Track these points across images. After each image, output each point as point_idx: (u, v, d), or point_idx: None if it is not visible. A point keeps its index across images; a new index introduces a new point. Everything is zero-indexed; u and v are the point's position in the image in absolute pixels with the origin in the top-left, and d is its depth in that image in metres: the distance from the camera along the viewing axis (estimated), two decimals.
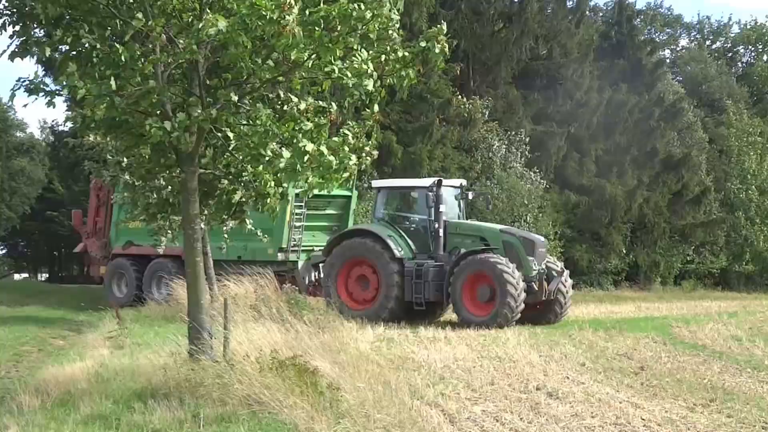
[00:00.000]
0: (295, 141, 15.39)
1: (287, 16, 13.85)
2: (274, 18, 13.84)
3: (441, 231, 29.51)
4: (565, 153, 52.91)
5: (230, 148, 16.41)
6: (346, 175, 16.15)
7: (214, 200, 17.74)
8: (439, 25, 15.89)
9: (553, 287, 29.08)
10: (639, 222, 56.45)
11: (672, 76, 79.76)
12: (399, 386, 16.07)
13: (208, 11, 14.86)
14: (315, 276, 33.48)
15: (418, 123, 45.18)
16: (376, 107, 16.28)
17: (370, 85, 15.36)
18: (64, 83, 14.68)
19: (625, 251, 54.92)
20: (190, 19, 15.34)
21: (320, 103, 16.34)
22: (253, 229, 19.71)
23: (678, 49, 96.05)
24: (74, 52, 15.45)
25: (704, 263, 62.36)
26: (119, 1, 15.48)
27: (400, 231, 30.05)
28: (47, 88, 15.12)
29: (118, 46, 14.90)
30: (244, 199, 17.30)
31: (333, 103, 16.34)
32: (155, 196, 18.78)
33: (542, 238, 30.28)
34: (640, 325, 29.42)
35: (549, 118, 53.68)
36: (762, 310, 39.35)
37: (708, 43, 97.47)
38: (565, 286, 29.44)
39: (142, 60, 15.07)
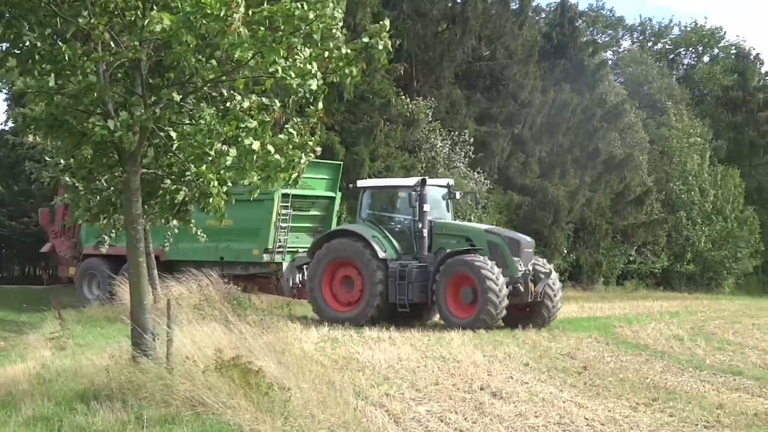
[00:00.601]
0: (239, 140, 15.33)
1: (234, 14, 13.79)
2: (221, 15, 13.78)
3: (425, 231, 29.00)
4: (509, 154, 53.11)
5: (173, 148, 16.29)
6: (294, 174, 16.11)
7: (157, 200, 17.61)
8: (382, 22, 15.88)
9: (539, 289, 28.27)
10: (581, 222, 56.78)
11: (614, 78, 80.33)
12: (343, 386, 16.05)
13: (154, 9, 14.74)
14: (299, 278, 32.89)
15: (361, 123, 45.12)
16: (320, 104, 16.24)
17: (314, 85, 15.33)
18: (3, 80, 14.55)
19: (567, 251, 55.20)
20: (132, 18, 15.23)
21: (264, 100, 16.27)
22: (194, 228, 19.53)
23: (620, 50, 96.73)
24: (15, 50, 15.30)
25: (646, 263, 62.84)
26: None
27: (385, 231, 29.49)
28: None
29: (60, 44, 14.77)
30: (187, 199, 17.18)
31: (276, 101, 16.28)
32: (97, 198, 18.61)
33: (528, 239, 29.49)
34: (583, 324, 29.64)
35: (493, 118, 53.80)
36: (703, 309, 39.80)
37: (650, 44, 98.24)
38: (553, 288, 28.58)
39: (84, 59, 14.94)
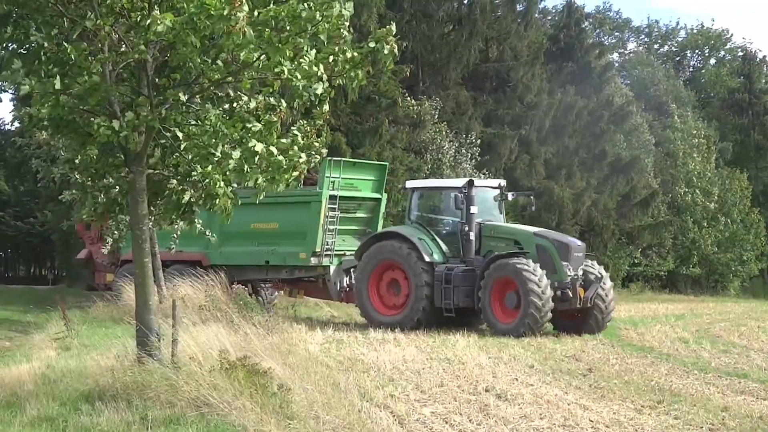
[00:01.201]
0: (244, 141, 15.35)
1: (238, 14, 13.79)
2: (224, 14, 13.78)
3: (472, 234, 28.27)
4: (515, 155, 53.09)
5: (180, 149, 16.30)
6: (296, 174, 16.11)
7: (163, 201, 17.60)
8: (388, 26, 15.88)
9: (590, 294, 27.12)
10: (587, 224, 56.73)
11: (620, 80, 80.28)
12: (348, 388, 16.06)
13: (158, 10, 14.75)
14: (347, 281, 31.90)
15: (367, 124, 45.13)
16: (326, 107, 16.25)
17: (320, 88, 15.33)
18: (8, 81, 14.57)
19: None
20: (138, 19, 15.24)
21: (271, 100, 16.27)
22: (202, 229, 19.49)
23: (626, 52, 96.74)
24: (22, 50, 15.32)
25: (652, 266, 62.80)
26: None
27: (432, 233, 28.81)
28: None
29: (66, 45, 14.79)
30: (193, 200, 17.17)
31: (282, 101, 16.28)
32: (103, 196, 18.61)
33: (579, 242, 28.53)
34: None
35: (499, 120, 53.79)
36: (708, 312, 39.75)
37: (656, 47, 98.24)
38: (604, 294, 27.40)
39: (90, 59, 14.95)
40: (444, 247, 28.49)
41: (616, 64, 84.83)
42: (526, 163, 54.23)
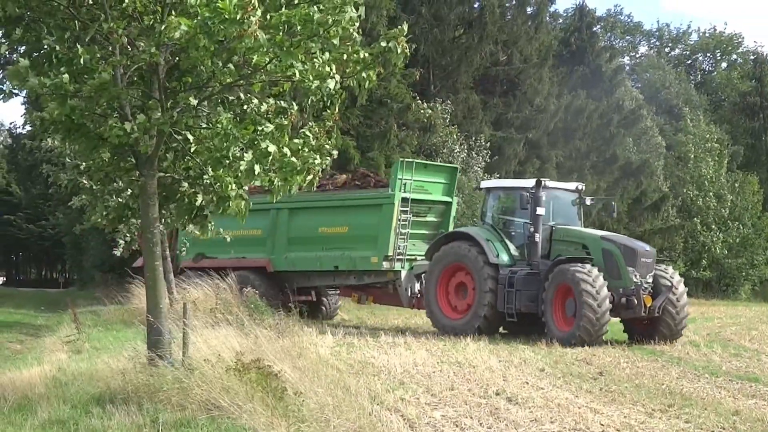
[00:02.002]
0: (256, 143, 15.38)
1: (251, 17, 13.81)
2: (237, 19, 13.80)
3: (538, 236, 26.98)
4: (525, 158, 53.12)
5: (191, 152, 16.33)
6: (309, 177, 16.14)
7: (175, 204, 17.62)
8: (400, 26, 15.90)
9: (658, 302, 25.68)
10: (598, 228, 56.63)
11: (631, 83, 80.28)
12: (359, 391, 16.04)
13: (172, 13, 14.78)
14: (418, 287, 30.65)
15: (377, 128, 45.21)
16: (332, 104, 16.26)
17: (332, 85, 15.35)
18: (15, 78, 14.61)
19: None
20: (150, 22, 15.27)
21: (281, 103, 16.30)
22: (215, 229, 19.44)
23: (637, 56, 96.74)
24: (33, 53, 15.36)
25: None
26: (79, 2, 15.39)
27: (501, 235, 27.76)
28: (3, 87, 15.07)
29: (78, 47, 14.82)
30: (205, 203, 17.19)
31: (293, 104, 16.31)
32: (114, 199, 18.64)
33: (648, 247, 27.06)
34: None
35: (509, 123, 53.87)
36: (719, 316, 39.66)
37: (667, 50, 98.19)
38: (675, 303, 25.94)
39: (102, 62, 14.99)
40: (513, 249, 27.58)
41: (627, 68, 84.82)
42: (536, 167, 54.28)
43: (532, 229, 27.09)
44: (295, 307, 32.70)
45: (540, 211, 27.03)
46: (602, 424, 14.69)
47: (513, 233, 27.93)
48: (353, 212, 31.02)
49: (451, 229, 31.88)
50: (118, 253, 34.99)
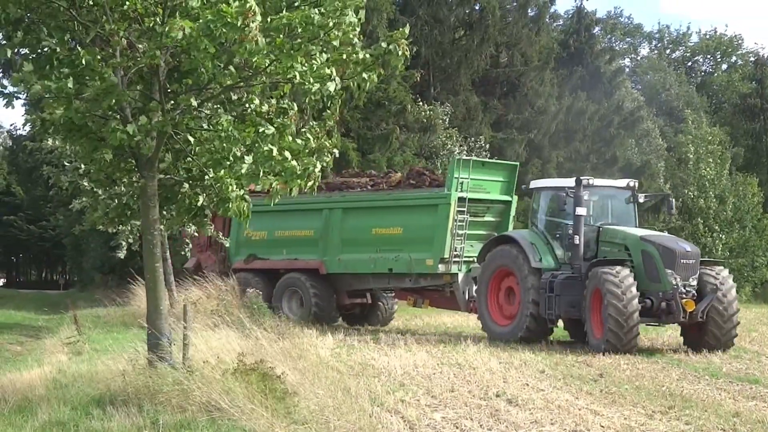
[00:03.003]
0: (257, 145, 15.39)
1: (251, 23, 13.82)
2: (238, 25, 13.81)
3: (578, 238, 25.35)
4: (526, 160, 53.14)
5: (192, 153, 16.35)
6: (310, 183, 16.15)
7: (176, 205, 17.65)
8: (401, 28, 15.93)
9: (701, 307, 24.07)
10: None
11: (632, 85, 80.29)
12: (359, 393, 16.05)
13: (175, 15, 14.79)
14: (475, 290, 28.90)
15: (377, 130, 45.21)
16: (332, 104, 16.27)
17: (332, 87, 15.36)
18: (20, 83, 14.62)
19: None
20: (151, 24, 15.28)
21: (282, 104, 16.31)
22: (211, 231, 19.37)
23: (638, 58, 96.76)
24: (34, 55, 15.37)
25: None
26: (79, 4, 15.40)
27: (548, 238, 26.41)
28: (5, 90, 15.07)
29: (79, 49, 14.84)
30: (205, 204, 17.21)
31: (294, 105, 16.32)
32: (115, 202, 18.67)
33: (689, 248, 25.23)
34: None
35: (509, 125, 53.88)
36: None
37: (668, 52, 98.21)
38: (723, 304, 24.28)
39: (103, 64, 15.00)
40: (561, 253, 26.13)
41: (627, 69, 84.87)
42: (538, 168, 54.28)
43: (570, 230, 25.72)
44: (345, 310, 32.52)
45: (580, 211, 25.56)
46: (602, 426, 14.69)
47: (559, 235, 26.52)
48: (408, 212, 29.97)
49: (511, 228, 30.78)
50: (121, 255, 34.96)
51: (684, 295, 24.19)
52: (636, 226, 26.71)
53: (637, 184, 27.25)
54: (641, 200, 27.19)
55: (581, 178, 26.17)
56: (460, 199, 28.86)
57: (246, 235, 32.16)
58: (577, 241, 25.43)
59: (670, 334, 27.91)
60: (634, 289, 23.46)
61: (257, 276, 31.93)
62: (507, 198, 30.88)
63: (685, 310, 23.95)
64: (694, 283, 24.53)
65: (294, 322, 28.49)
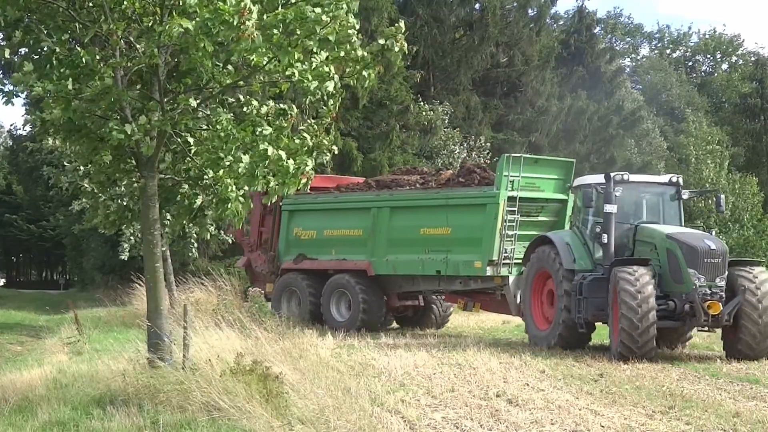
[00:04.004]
0: (254, 145, 15.40)
1: (247, 22, 13.84)
2: (234, 23, 13.82)
3: (606, 237, 23.76)
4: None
5: (191, 153, 16.37)
6: (303, 181, 16.17)
7: (175, 205, 17.67)
8: (397, 24, 15.94)
9: (726, 310, 22.29)
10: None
11: (632, 85, 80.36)
12: (359, 393, 16.04)
13: (173, 15, 14.80)
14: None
15: (378, 129, 45.22)
16: (331, 102, 16.28)
17: (330, 86, 15.36)
18: (21, 84, 14.63)
19: None
20: (150, 23, 15.29)
21: (281, 105, 16.33)
22: (213, 232, 19.36)
23: (638, 58, 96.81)
24: (34, 55, 15.38)
25: None
26: (79, 4, 15.41)
27: (585, 238, 24.72)
28: (5, 89, 15.09)
29: (78, 49, 14.85)
30: (205, 204, 17.22)
31: (293, 106, 16.34)
32: (115, 203, 18.69)
33: (714, 245, 23.08)
34: (600, 332, 29.41)
35: (509, 125, 53.87)
36: None
37: (668, 52, 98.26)
38: (754, 308, 22.44)
39: (102, 63, 15.01)
40: (599, 253, 24.31)
41: (628, 69, 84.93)
42: None
43: (598, 229, 24.14)
44: (397, 313, 31.47)
45: (609, 208, 23.95)
46: (603, 426, 14.68)
47: (590, 234, 24.83)
48: (456, 212, 28.45)
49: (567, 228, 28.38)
50: (124, 257, 34.86)
51: (708, 297, 22.41)
52: (680, 224, 24.93)
53: (681, 179, 25.38)
54: (685, 196, 25.46)
55: (612, 173, 24.75)
56: (510, 199, 27.39)
57: (296, 234, 31.54)
58: (605, 240, 23.94)
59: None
60: (649, 288, 22.00)
61: (306, 277, 31.07)
62: (562, 197, 29.19)
63: (708, 312, 22.22)
64: (722, 283, 22.76)
65: (342, 327, 28.17)
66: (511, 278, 27.54)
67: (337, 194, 31.32)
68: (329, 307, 30.08)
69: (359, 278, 29.71)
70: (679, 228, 24.38)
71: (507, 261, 27.54)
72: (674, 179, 25.15)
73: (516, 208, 27.45)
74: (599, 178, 24.67)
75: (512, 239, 27.46)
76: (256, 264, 32.86)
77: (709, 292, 22.48)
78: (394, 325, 31.87)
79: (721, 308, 22.23)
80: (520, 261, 27.25)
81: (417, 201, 29.44)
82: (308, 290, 30.57)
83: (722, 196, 27.00)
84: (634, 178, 25.06)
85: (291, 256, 31.67)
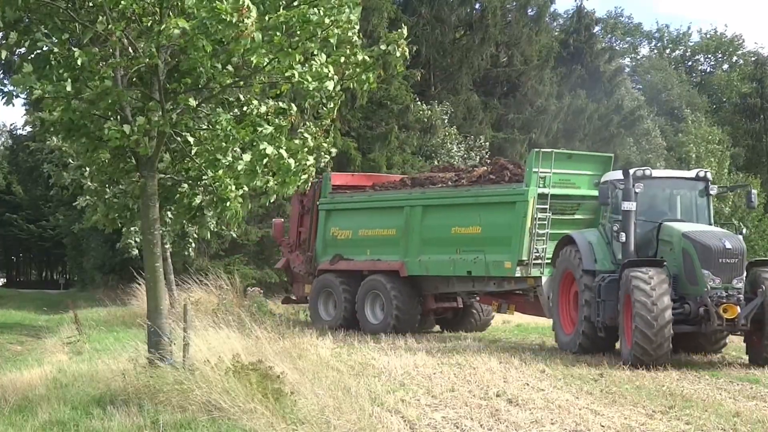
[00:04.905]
0: (254, 144, 15.40)
1: (246, 20, 13.83)
2: (233, 22, 13.81)
3: (624, 236, 22.48)
4: (525, 159, 53.21)
5: (191, 153, 16.37)
6: (304, 177, 16.16)
7: (174, 205, 17.68)
8: (400, 29, 15.93)
9: (744, 313, 21.05)
10: None
11: (632, 84, 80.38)
12: (359, 392, 16.04)
13: (170, 15, 14.81)
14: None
15: (377, 129, 45.23)
16: (331, 104, 16.28)
17: (330, 86, 15.36)
18: (20, 85, 14.63)
19: None
20: (149, 23, 15.29)
21: (281, 104, 16.33)
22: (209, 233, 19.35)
23: (638, 57, 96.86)
24: (32, 55, 15.38)
25: None
26: (78, 4, 15.41)
27: (609, 237, 23.39)
28: (5, 89, 15.09)
29: (77, 49, 14.85)
30: (204, 204, 17.23)
31: (293, 105, 16.34)
32: (120, 200, 18.68)
33: (730, 244, 21.67)
34: None
35: (509, 124, 53.92)
36: None
37: (668, 51, 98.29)
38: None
39: (101, 64, 15.01)
40: (619, 253, 23.00)
41: (627, 69, 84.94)
42: None
43: (615, 227, 22.91)
44: (435, 315, 30.34)
45: (628, 206, 22.66)
46: (603, 426, 14.67)
47: (610, 233, 23.54)
48: (485, 210, 27.34)
49: None
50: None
51: (723, 300, 21.19)
52: (710, 222, 23.57)
53: (705, 175, 23.96)
54: (713, 192, 23.91)
55: (632, 169, 23.62)
56: (541, 196, 26.17)
57: (332, 234, 30.79)
58: (623, 239, 22.60)
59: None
60: (666, 298, 20.74)
61: (342, 278, 30.17)
62: None
63: (722, 316, 20.96)
64: (739, 285, 21.50)
65: (375, 330, 27.63)
66: (544, 279, 26.32)
67: (371, 193, 30.81)
68: (364, 310, 29.24)
69: (392, 279, 28.78)
70: (698, 226, 22.91)
71: (538, 261, 26.40)
72: (702, 174, 23.95)
73: (548, 206, 26.24)
74: (618, 174, 23.53)
75: (544, 238, 26.26)
76: (294, 264, 32.12)
77: (724, 294, 21.27)
78: (436, 328, 30.88)
79: (739, 311, 21.05)
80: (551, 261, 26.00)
81: (448, 199, 28.58)
82: (344, 293, 29.74)
83: (754, 192, 25.53)
84: (657, 173, 24.05)
85: (328, 256, 30.89)
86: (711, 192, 23.75)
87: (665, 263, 21.90)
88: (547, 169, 26.23)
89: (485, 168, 29.65)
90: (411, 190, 29.44)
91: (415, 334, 26.59)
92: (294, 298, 32.95)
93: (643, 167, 24.26)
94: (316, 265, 31.00)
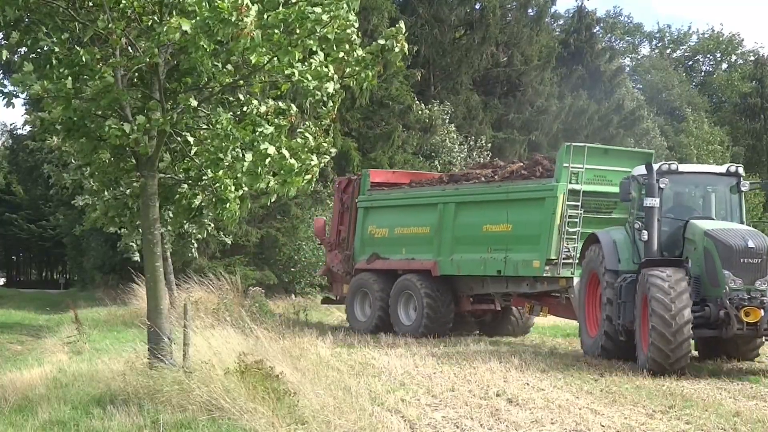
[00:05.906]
0: (255, 144, 15.39)
1: (245, 18, 13.83)
2: (233, 20, 13.81)
3: (646, 234, 21.25)
4: (527, 159, 53.21)
5: (191, 153, 16.37)
6: (308, 177, 16.16)
7: (174, 205, 17.68)
8: (398, 25, 15.93)
9: (766, 317, 19.93)
10: None
11: (633, 84, 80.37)
12: (359, 392, 16.03)
13: (173, 14, 14.80)
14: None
15: (378, 129, 45.23)
16: (331, 103, 16.27)
17: (330, 87, 15.36)
18: (20, 83, 14.62)
19: None
20: (150, 23, 15.29)
21: (280, 104, 16.33)
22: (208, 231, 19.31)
23: (638, 57, 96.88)
24: (33, 55, 15.37)
25: None
26: (78, 4, 15.41)
27: (634, 236, 22.11)
28: (5, 89, 15.08)
29: (77, 48, 14.85)
30: (203, 204, 17.23)
31: (293, 105, 16.34)
32: (120, 200, 18.68)
33: (753, 243, 20.52)
34: None
35: (509, 124, 53.94)
36: None
37: (668, 51, 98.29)
38: None
39: (102, 63, 15.01)
40: (642, 251, 21.81)
41: (628, 69, 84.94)
42: None
43: (637, 225, 21.87)
44: (477, 317, 29.07)
45: (650, 202, 21.40)
46: (603, 425, 14.67)
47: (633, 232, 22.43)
48: (515, 207, 26.38)
49: None
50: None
51: (745, 302, 20.02)
52: (741, 221, 22.30)
53: (737, 170, 22.47)
54: (745, 188, 22.53)
55: (656, 163, 22.32)
56: (573, 192, 25.03)
57: (370, 232, 30.07)
58: (645, 237, 21.41)
59: None
60: (685, 298, 19.76)
61: (377, 278, 29.37)
62: None
63: (742, 320, 19.83)
64: (764, 287, 20.35)
65: (407, 332, 27.14)
66: (575, 280, 24.84)
67: (407, 190, 30.11)
68: (397, 311, 28.34)
69: (424, 279, 27.88)
70: (723, 224, 21.71)
71: (569, 261, 25.23)
72: (733, 169, 22.46)
73: (579, 203, 25.10)
74: (642, 170, 22.13)
75: (575, 237, 25.10)
76: (332, 264, 31.40)
77: (746, 296, 20.12)
78: (477, 331, 29.72)
79: (762, 315, 19.90)
80: None
81: (480, 195, 27.64)
82: (378, 293, 28.91)
83: None
84: (684, 167, 22.63)
85: (365, 255, 30.11)
86: (743, 188, 22.48)
87: (687, 263, 21.02)
88: (580, 164, 25.15)
89: (521, 164, 28.69)
90: (444, 187, 28.70)
91: (415, 335, 26.45)
92: (334, 298, 32.33)
93: (669, 161, 23.22)
94: (354, 264, 30.33)
